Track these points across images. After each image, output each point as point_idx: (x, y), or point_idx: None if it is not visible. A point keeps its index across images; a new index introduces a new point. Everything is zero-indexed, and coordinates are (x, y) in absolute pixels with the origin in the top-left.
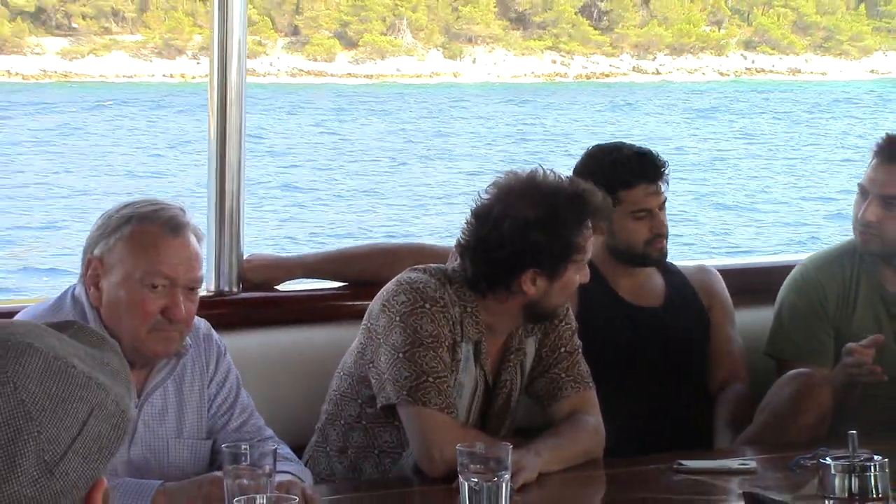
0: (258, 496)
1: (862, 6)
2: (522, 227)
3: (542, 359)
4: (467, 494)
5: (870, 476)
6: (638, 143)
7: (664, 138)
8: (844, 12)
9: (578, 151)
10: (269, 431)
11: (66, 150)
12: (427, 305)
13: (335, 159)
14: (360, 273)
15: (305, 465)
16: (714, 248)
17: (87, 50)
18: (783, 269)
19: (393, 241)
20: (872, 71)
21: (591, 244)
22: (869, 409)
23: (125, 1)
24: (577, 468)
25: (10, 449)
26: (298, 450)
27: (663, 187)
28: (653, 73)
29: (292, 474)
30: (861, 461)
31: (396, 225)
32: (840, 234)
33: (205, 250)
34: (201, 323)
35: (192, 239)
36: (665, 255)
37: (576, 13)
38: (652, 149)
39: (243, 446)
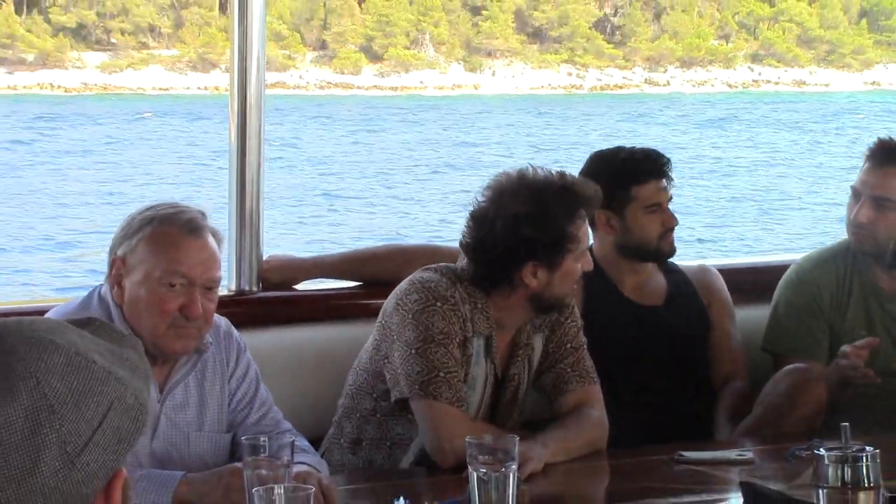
0: (276, 486)
1: (863, 21)
2: (513, 223)
3: (549, 354)
4: (476, 484)
5: (862, 466)
6: (668, 152)
7: (679, 147)
8: (847, 27)
9: None
10: (287, 424)
11: (114, 159)
12: (438, 304)
13: (368, 167)
14: (375, 273)
15: (322, 457)
16: (733, 249)
17: (126, 64)
18: (780, 269)
19: (406, 242)
20: (874, 83)
21: (587, 233)
22: (862, 404)
23: (161, 17)
24: (581, 459)
25: (34, 441)
26: (315, 442)
27: (669, 184)
28: (664, 84)
29: (309, 465)
30: (853, 452)
31: (433, 228)
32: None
33: (225, 252)
34: (222, 321)
35: (211, 240)
36: (675, 248)
37: (590, 28)
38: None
39: (262, 438)
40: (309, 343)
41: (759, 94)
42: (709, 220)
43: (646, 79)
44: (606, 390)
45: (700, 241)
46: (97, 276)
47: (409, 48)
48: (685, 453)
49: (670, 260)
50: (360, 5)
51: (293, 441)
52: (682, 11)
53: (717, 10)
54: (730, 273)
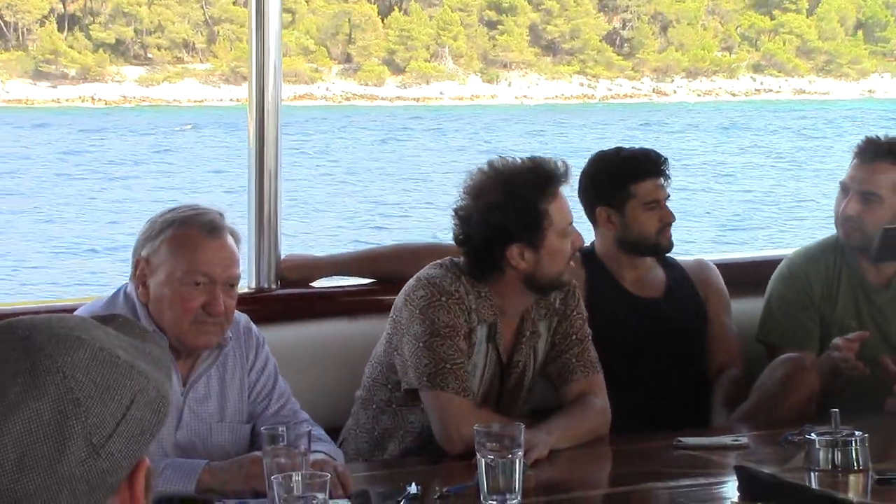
0: (294, 473)
1: (859, 32)
2: (487, 211)
3: (555, 345)
4: (484, 470)
5: (851, 450)
6: (670, 158)
7: (687, 151)
8: (844, 38)
9: None
10: (305, 415)
11: (162, 168)
12: (443, 299)
13: (396, 173)
14: (386, 270)
15: (340, 446)
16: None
17: (162, 77)
18: (773, 263)
19: (416, 241)
20: (870, 91)
21: (564, 209)
22: (852, 391)
23: (196, 33)
24: (584, 445)
25: (61, 432)
26: (332, 432)
27: (667, 182)
28: (671, 93)
29: (325, 454)
30: (843, 437)
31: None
32: None
33: (245, 252)
34: (241, 317)
35: (230, 240)
36: (672, 243)
37: (600, 40)
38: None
39: (281, 428)
40: (325, 337)
41: (762, 103)
42: (728, 221)
43: (654, 88)
44: (607, 379)
45: (723, 237)
46: None
47: (429, 61)
48: (683, 439)
49: (669, 255)
50: (382, 21)
51: (310, 431)
52: (688, 24)
53: (720, 23)
54: (726, 267)
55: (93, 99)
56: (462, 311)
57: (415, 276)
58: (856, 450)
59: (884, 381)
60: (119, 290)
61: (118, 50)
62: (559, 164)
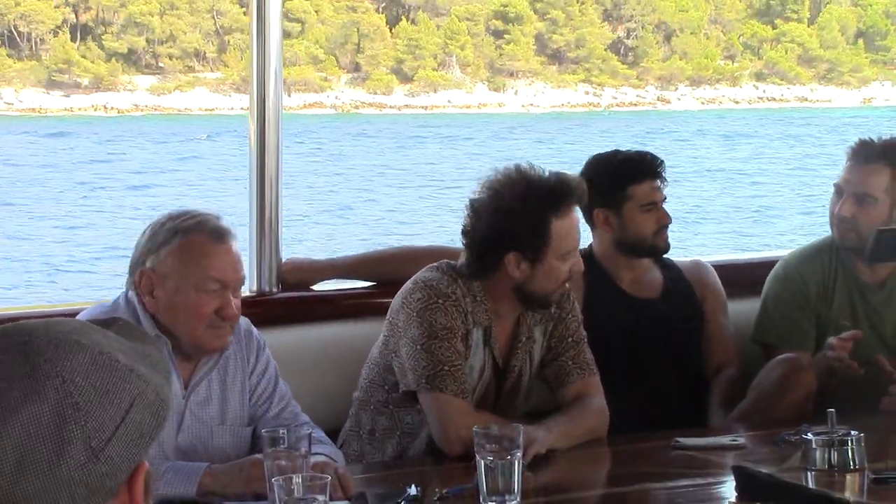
0: (295, 476)
1: (860, 41)
2: (500, 211)
3: (552, 348)
4: (483, 471)
5: (847, 449)
6: (681, 164)
7: (693, 158)
8: (845, 46)
9: None
10: (305, 417)
11: (182, 175)
12: (440, 301)
13: (409, 178)
14: (386, 273)
15: (340, 448)
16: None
17: (173, 86)
18: (769, 263)
19: (415, 244)
20: (871, 99)
21: (573, 234)
22: (847, 391)
23: (206, 43)
24: (582, 446)
25: (60, 436)
26: (332, 434)
27: (663, 184)
28: (675, 101)
29: (326, 456)
30: (839, 436)
31: None
32: None
33: (246, 256)
34: (242, 320)
35: (234, 243)
36: (669, 244)
37: (605, 49)
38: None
39: (281, 431)
40: (326, 340)
41: (765, 111)
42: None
43: (658, 97)
44: (605, 380)
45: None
46: None
47: (437, 70)
48: (681, 439)
49: (666, 256)
50: (390, 30)
51: (311, 433)
52: (691, 33)
53: (723, 32)
54: (722, 268)
55: (105, 108)
56: (459, 313)
57: (411, 280)
58: (852, 449)
59: (879, 381)
60: (120, 297)
61: (130, 59)
62: (579, 184)
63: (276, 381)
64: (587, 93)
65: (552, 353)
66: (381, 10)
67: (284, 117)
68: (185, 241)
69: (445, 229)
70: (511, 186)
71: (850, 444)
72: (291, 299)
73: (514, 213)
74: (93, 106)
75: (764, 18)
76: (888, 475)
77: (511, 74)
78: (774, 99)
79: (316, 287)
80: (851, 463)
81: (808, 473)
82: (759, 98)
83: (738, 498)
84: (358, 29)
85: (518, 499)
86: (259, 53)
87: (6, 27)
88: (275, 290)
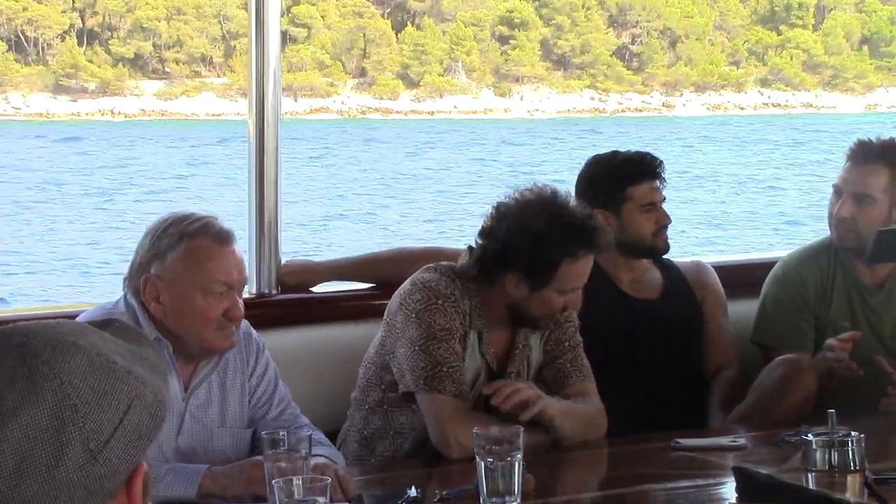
0: (295, 478)
1: (864, 47)
2: (515, 230)
3: (548, 352)
4: (483, 473)
5: (848, 450)
6: (690, 169)
7: (697, 162)
8: (849, 53)
9: None
10: (305, 419)
11: (196, 180)
12: (439, 302)
13: (420, 182)
14: (384, 275)
15: (339, 449)
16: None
17: (180, 91)
18: (769, 265)
19: (413, 245)
20: (876, 105)
21: (580, 276)
22: (847, 392)
23: (213, 48)
24: (581, 447)
25: (58, 438)
26: (332, 435)
27: (662, 185)
28: (680, 107)
29: (326, 457)
30: (840, 437)
31: None
32: None
33: (246, 259)
34: (242, 323)
35: (236, 244)
36: (668, 245)
37: (611, 55)
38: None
39: (281, 433)
40: (325, 342)
41: (771, 117)
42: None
43: (663, 102)
44: (604, 381)
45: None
46: None
47: (443, 75)
48: (681, 440)
49: (665, 257)
50: (396, 36)
51: (311, 435)
52: (696, 40)
53: (728, 38)
54: (721, 269)
55: (112, 112)
56: (458, 314)
57: (409, 280)
58: (852, 450)
59: (878, 382)
60: (120, 299)
61: (137, 64)
62: (606, 237)
63: (275, 383)
64: (592, 98)
65: (549, 356)
66: (386, 15)
67: (291, 122)
68: (191, 246)
69: (463, 234)
70: (538, 209)
71: (850, 444)
72: (291, 301)
73: (531, 237)
74: (100, 111)
75: (769, 25)
76: (888, 476)
77: (517, 80)
78: (779, 105)
79: (315, 289)
80: (852, 464)
81: (809, 474)
82: (764, 104)
83: (738, 499)
84: (364, 34)
85: (518, 500)
86: (258, 56)
87: (13, 32)
88: (274, 291)
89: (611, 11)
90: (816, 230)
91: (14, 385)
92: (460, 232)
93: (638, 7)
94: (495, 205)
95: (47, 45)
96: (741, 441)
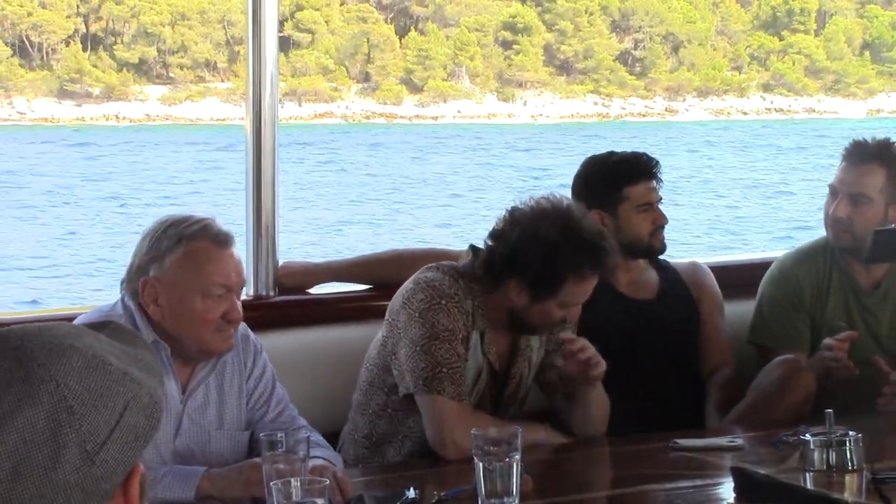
0: (293, 479)
1: (866, 52)
2: (526, 237)
3: (550, 353)
4: (482, 474)
5: (846, 450)
6: (696, 172)
7: (704, 168)
8: (851, 58)
9: None
10: (303, 421)
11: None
12: (443, 302)
13: (431, 186)
14: (382, 277)
15: (338, 451)
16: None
17: (184, 96)
18: (763, 265)
19: (412, 247)
20: (878, 110)
21: (583, 294)
22: (845, 391)
23: (217, 53)
24: (580, 448)
25: (55, 440)
26: (330, 437)
27: (659, 185)
28: (683, 112)
29: (324, 459)
30: (837, 437)
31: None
32: None
33: (243, 261)
34: (240, 325)
35: (235, 246)
36: (665, 245)
37: (613, 60)
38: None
39: (279, 435)
40: (323, 343)
41: (773, 122)
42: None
43: (666, 107)
44: (602, 381)
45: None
46: None
47: (446, 80)
48: (679, 441)
49: (662, 258)
50: (400, 40)
51: (309, 437)
52: (699, 45)
53: (730, 43)
54: (718, 269)
55: (117, 117)
56: (461, 314)
57: (412, 280)
58: (850, 450)
59: (875, 382)
60: (117, 301)
61: (141, 69)
62: (611, 260)
63: (273, 385)
64: (596, 103)
65: (551, 357)
66: (390, 20)
67: (296, 127)
68: (189, 249)
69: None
70: (552, 220)
71: (848, 444)
72: (289, 303)
73: (542, 246)
74: (104, 116)
75: (770, 30)
76: (886, 475)
77: (520, 85)
78: (782, 110)
79: (313, 290)
80: (850, 463)
81: (807, 474)
82: (766, 109)
83: (736, 499)
84: (368, 39)
85: (517, 501)
86: (255, 57)
87: (18, 37)
88: (272, 293)
89: (613, 17)
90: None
91: (10, 388)
92: (476, 235)
93: (640, 12)
94: (510, 208)
95: (52, 50)
96: (739, 441)
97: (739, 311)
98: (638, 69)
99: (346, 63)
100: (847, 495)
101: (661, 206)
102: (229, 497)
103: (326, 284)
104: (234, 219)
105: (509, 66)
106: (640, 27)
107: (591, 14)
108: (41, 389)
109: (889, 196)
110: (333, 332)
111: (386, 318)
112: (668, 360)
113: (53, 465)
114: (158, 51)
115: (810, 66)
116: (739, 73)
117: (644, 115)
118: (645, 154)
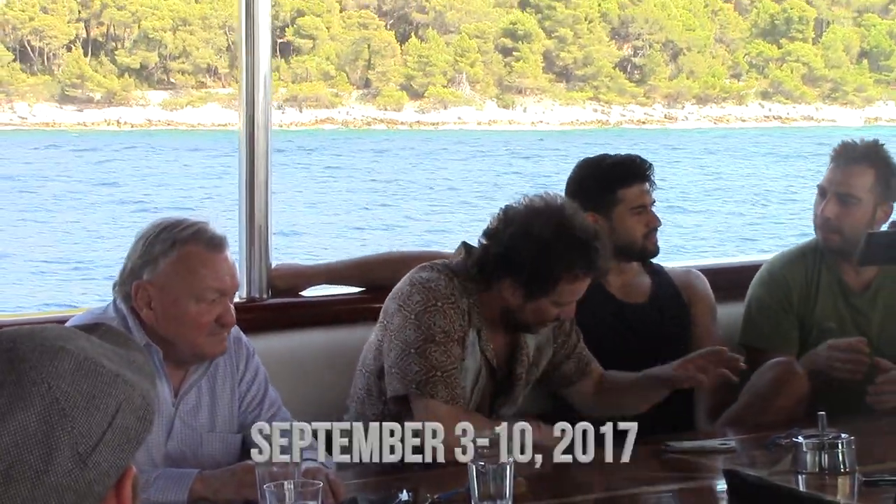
0: (286, 482)
1: (864, 61)
2: (520, 235)
3: (556, 352)
4: (475, 476)
5: (838, 452)
6: (699, 179)
7: (711, 175)
8: (849, 66)
9: None
10: None
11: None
12: (439, 303)
13: (440, 193)
14: (376, 279)
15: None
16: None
17: (185, 101)
18: (754, 268)
19: (405, 249)
20: (876, 119)
21: (577, 292)
22: (838, 394)
23: (218, 58)
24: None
25: (47, 443)
26: None
27: (652, 188)
28: (682, 119)
29: (317, 462)
30: (830, 439)
31: None
32: None
33: (236, 263)
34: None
35: (228, 250)
36: (658, 248)
37: (613, 67)
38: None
39: None
40: (316, 346)
41: (772, 129)
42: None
43: (665, 114)
44: None
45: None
46: None
47: (446, 86)
48: (672, 444)
49: (655, 262)
50: (401, 47)
51: None
52: (698, 52)
53: (729, 51)
54: (711, 272)
55: (118, 122)
56: (458, 314)
57: (406, 281)
58: (842, 452)
59: (867, 384)
60: (109, 304)
61: (142, 75)
62: (606, 261)
63: (265, 388)
64: (595, 110)
65: (559, 355)
66: (390, 26)
67: (298, 133)
68: (183, 252)
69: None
70: (546, 218)
71: (840, 447)
72: (281, 305)
73: (535, 245)
74: (106, 120)
75: (769, 38)
76: (878, 478)
77: (520, 91)
78: (780, 118)
79: (306, 293)
80: (842, 466)
81: (799, 476)
82: (765, 117)
83: (728, 501)
84: (368, 45)
85: None
86: (248, 61)
87: (19, 42)
88: (265, 296)
89: (613, 24)
90: None
91: (2, 390)
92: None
93: (640, 20)
94: (503, 208)
95: (53, 55)
96: (732, 443)
97: (730, 313)
98: (637, 76)
99: (347, 69)
100: (839, 498)
101: (653, 209)
102: (222, 499)
103: (319, 287)
104: (234, 223)
105: (509, 72)
106: (639, 34)
107: (591, 21)
108: (33, 392)
109: (878, 196)
110: (326, 334)
111: (380, 319)
112: (658, 363)
113: (45, 467)
114: (160, 56)
115: (808, 75)
116: (738, 81)
117: (643, 123)
118: (638, 157)
